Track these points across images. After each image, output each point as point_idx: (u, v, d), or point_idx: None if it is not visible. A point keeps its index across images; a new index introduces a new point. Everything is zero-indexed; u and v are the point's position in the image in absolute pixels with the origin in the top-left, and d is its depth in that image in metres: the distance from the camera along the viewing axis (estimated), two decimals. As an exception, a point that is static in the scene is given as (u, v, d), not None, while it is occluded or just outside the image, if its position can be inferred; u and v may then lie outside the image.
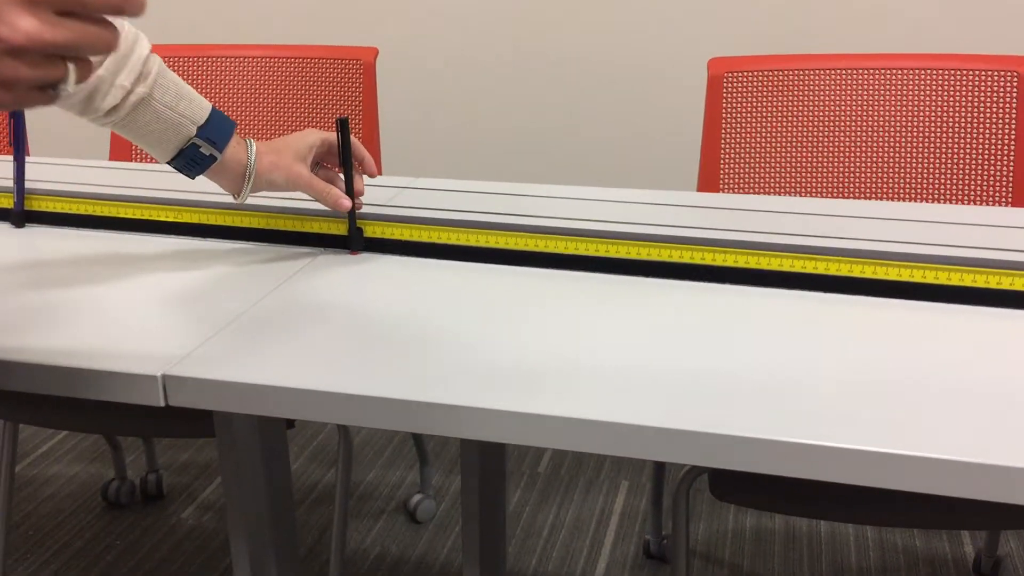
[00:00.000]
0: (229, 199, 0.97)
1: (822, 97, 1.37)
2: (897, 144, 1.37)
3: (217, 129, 0.90)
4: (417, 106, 2.15)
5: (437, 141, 2.16)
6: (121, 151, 1.54)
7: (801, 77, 1.37)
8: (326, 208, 0.97)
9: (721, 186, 1.39)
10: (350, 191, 0.97)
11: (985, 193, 1.35)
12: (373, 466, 1.90)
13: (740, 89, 1.37)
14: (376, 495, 1.81)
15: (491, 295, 0.86)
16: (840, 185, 1.38)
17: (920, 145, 1.36)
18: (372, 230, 0.97)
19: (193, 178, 0.93)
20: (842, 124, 1.37)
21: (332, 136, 0.97)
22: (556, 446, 0.67)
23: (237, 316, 0.82)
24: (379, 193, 1.13)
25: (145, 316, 0.82)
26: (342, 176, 0.98)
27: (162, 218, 1.04)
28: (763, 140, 1.38)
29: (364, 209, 1.00)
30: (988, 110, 1.34)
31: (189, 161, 0.90)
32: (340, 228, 0.98)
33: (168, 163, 0.91)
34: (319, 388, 0.69)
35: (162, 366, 0.72)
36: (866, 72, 1.36)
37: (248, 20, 2.18)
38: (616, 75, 2.03)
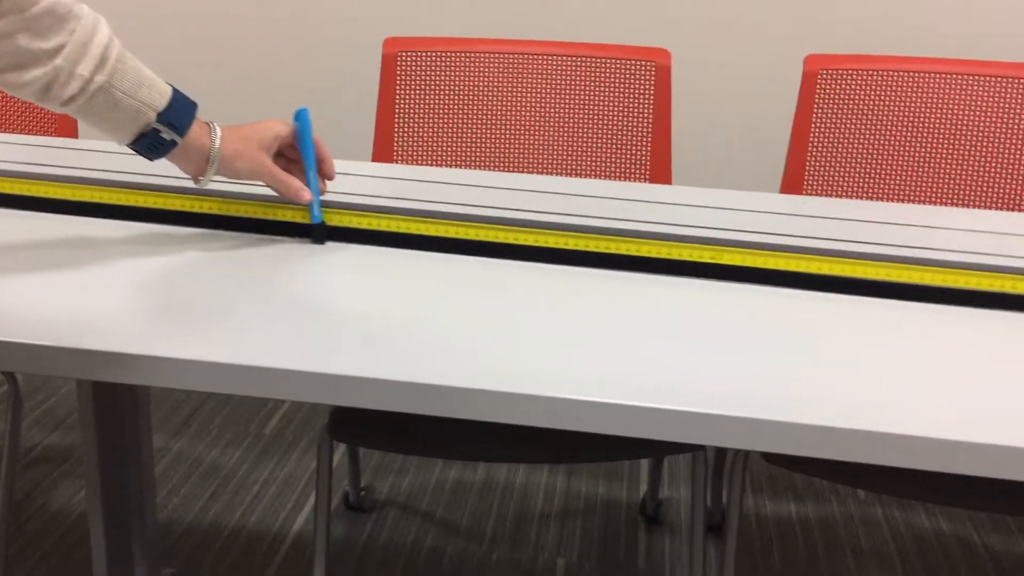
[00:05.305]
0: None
1: (485, 80, 1.49)
2: (550, 127, 1.50)
3: (178, 113, 0.89)
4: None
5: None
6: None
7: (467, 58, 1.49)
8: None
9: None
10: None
11: (628, 171, 1.51)
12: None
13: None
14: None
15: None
16: (507, 160, 1.51)
17: (568, 129, 1.50)
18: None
19: (152, 160, 0.92)
20: (501, 105, 1.50)
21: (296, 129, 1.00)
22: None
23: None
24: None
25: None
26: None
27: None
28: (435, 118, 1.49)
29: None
30: (630, 96, 1.49)
31: (149, 145, 0.90)
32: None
33: (128, 146, 0.90)
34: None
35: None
36: (513, 57, 1.49)
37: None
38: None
